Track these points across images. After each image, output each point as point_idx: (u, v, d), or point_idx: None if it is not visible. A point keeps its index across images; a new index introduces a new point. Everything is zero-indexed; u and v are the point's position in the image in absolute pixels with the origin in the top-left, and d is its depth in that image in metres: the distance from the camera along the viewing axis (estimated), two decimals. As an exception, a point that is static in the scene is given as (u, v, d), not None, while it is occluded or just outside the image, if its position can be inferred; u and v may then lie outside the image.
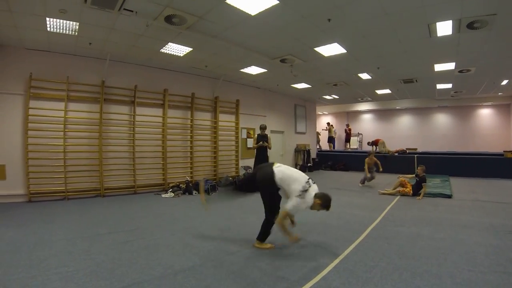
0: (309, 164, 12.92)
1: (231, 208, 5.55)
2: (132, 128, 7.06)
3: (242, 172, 9.28)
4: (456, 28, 5.14)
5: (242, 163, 9.62)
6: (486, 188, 7.95)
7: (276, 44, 6.06)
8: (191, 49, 6.25)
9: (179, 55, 6.60)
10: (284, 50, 6.45)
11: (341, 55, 6.72)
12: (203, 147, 8.59)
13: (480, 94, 12.30)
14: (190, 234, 4.02)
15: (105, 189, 6.55)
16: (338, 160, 13.50)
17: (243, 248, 3.48)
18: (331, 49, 6.38)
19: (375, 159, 8.46)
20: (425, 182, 6.71)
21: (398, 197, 6.76)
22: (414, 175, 7.25)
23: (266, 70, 8.09)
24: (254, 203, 5.93)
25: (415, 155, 11.24)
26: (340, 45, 6.14)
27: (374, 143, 13.26)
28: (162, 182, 7.47)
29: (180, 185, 7.24)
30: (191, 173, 8.08)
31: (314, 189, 3.21)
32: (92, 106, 6.54)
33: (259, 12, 4.54)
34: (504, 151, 10.57)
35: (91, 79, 6.50)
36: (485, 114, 14.69)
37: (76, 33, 5.24)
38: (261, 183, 3.36)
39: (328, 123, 16.32)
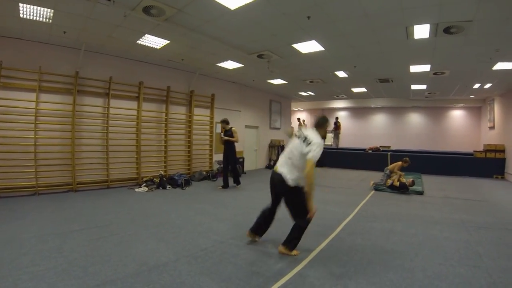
0: None
1: (204, 203, 5.58)
2: (106, 121, 6.84)
3: (216, 166, 9.22)
4: (433, 32, 5.29)
5: (216, 157, 9.53)
6: (456, 186, 8.30)
7: (254, 39, 6.02)
8: (168, 41, 6.12)
9: (156, 47, 6.44)
10: (262, 45, 6.42)
11: (319, 52, 6.75)
12: (178, 141, 8.49)
13: (453, 96, 12.79)
14: (164, 229, 3.98)
15: (77, 184, 6.32)
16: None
17: (217, 243, 3.48)
18: (309, 47, 6.39)
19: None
20: (406, 189, 7.07)
21: (372, 192, 7.02)
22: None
23: (242, 65, 8.04)
24: (226, 199, 6.05)
25: (389, 153, 11.58)
26: (318, 43, 6.16)
27: (337, 126, 13.94)
28: (136, 176, 7.32)
29: (154, 179, 7.12)
30: (165, 167, 7.97)
31: (308, 131, 3.12)
32: (65, 97, 6.27)
33: (239, 7, 4.48)
34: (474, 151, 11.13)
35: (64, 70, 6.22)
36: (457, 115, 15.30)
37: (51, 20, 4.98)
38: (281, 193, 3.17)
39: (299, 119, 16.37)
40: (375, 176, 8.79)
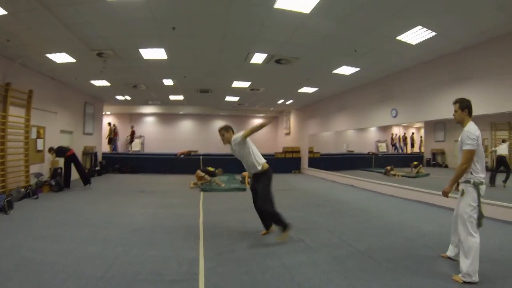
0: (97, 168, 11.77)
1: (49, 228, 4.41)
2: None
3: (33, 180, 7.41)
4: (267, 60, 6.78)
5: (33, 169, 7.66)
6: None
7: (108, 36, 5.51)
8: (5, 13, 4.49)
9: (-17, 16, 4.53)
10: (110, 43, 5.91)
11: (160, 60, 6.88)
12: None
13: (258, 107, 15.78)
14: (30, 272, 2.85)
15: None
16: (125, 162, 13.21)
17: (106, 268, 2.98)
18: (155, 53, 6.46)
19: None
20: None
21: (202, 193, 7.62)
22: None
23: (75, 61, 6.93)
24: (68, 218, 5.08)
25: (201, 156, 12.59)
26: (166, 51, 6.33)
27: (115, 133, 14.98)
28: None
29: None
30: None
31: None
32: None
33: (121, -2, 4.12)
34: (275, 153, 14.41)
35: None
36: (259, 123, 18.95)
37: None
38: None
39: (109, 123, 15.54)
40: (192, 179, 9.34)
